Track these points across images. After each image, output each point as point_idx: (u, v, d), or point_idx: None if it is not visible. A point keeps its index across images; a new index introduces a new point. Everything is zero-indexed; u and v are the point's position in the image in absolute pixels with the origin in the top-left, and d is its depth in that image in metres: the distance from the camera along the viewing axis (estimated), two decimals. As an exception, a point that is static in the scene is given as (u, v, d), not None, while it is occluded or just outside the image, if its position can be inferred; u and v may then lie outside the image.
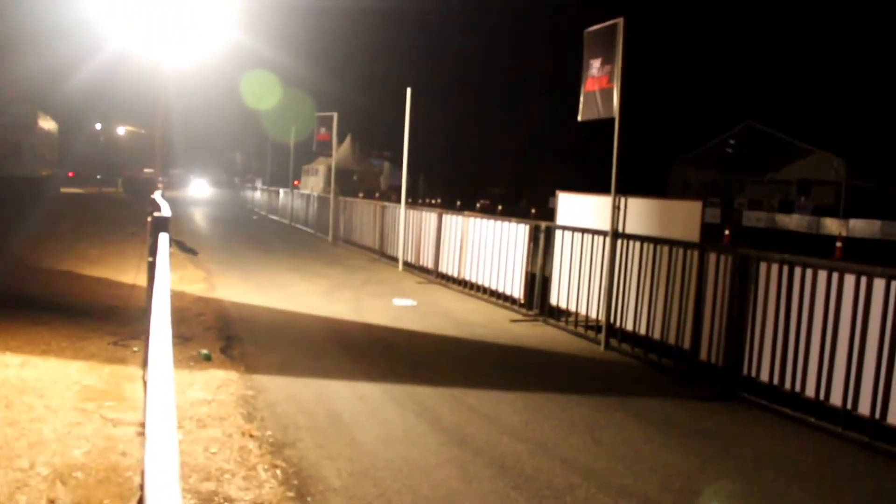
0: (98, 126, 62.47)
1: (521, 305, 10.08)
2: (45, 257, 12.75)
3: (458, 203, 41.42)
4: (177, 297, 9.41)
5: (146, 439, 1.62)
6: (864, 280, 5.42)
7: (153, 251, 4.90)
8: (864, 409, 5.31)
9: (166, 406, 1.81)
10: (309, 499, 3.95)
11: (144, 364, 5.28)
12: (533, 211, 33.27)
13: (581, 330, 8.72)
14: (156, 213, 5.45)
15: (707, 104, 57.73)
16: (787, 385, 5.94)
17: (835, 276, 5.65)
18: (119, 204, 33.49)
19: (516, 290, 10.25)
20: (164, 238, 4.92)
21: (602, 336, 8.10)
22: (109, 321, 7.75)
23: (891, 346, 5.18)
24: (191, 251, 15.25)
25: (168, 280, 3.66)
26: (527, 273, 10.08)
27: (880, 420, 5.19)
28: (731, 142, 53.51)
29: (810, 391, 5.74)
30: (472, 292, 11.39)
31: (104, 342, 6.85)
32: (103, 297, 9.30)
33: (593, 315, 8.64)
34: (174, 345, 6.79)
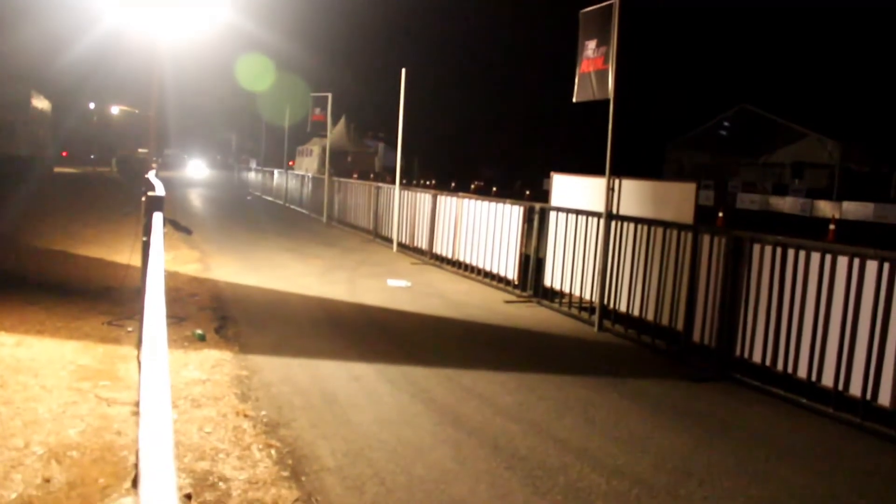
0: (92, 105, 61.99)
1: (516, 287, 10.10)
2: (39, 237, 12.70)
3: (453, 184, 41.33)
4: (171, 277, 9.40)
5: (140, 418, 1.62)
6: (856, 262, 5.44)
7: (147, 231, 4.88)
8: (855, 389, 5.35)
9: (161, 385, 1.80)
10: (303, 478, 3.96)
11: (139, 344, 5.28)
12: (528, 192, 33.20)
13: (575, 311, 8.75)
14: (150, 193, 5.43)
15: (702, 86, 57.60)
16: (780, 366, 5.98)
17: (828, 258, 5.67)
18: (113, 184, 33.31)
19: (510, 271, 10.27)
20: (158, 217, 4.90)
21: (596, 317, 8.13)
22: (104, 301, 7.74)
23: (882, 328, 5.21)
24: (185, 230, 15.22)
25: (162, 260, 3.66)
26: (521, 254, 10.09)
27: (871, 401, 5.23)
28: (726, 124, 53.48)
29: (802, 372, 5.78)
30: (467, 273, 11.40)
31: (99, 322, 6.84)
32: (98, 277, 9.28)
33: (587, 296, 8.66)
34: (168, 325, 6.79)
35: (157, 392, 1.76)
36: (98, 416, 4.53)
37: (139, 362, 5.21)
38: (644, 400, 5.74)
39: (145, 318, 2.47)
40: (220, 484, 3.80)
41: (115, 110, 59.45)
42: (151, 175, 10.26)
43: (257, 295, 9.16)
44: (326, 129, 20.59)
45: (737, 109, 51.44)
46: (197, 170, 55.40)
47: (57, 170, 42.44)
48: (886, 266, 5.23)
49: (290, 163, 31.74)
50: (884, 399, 5.16)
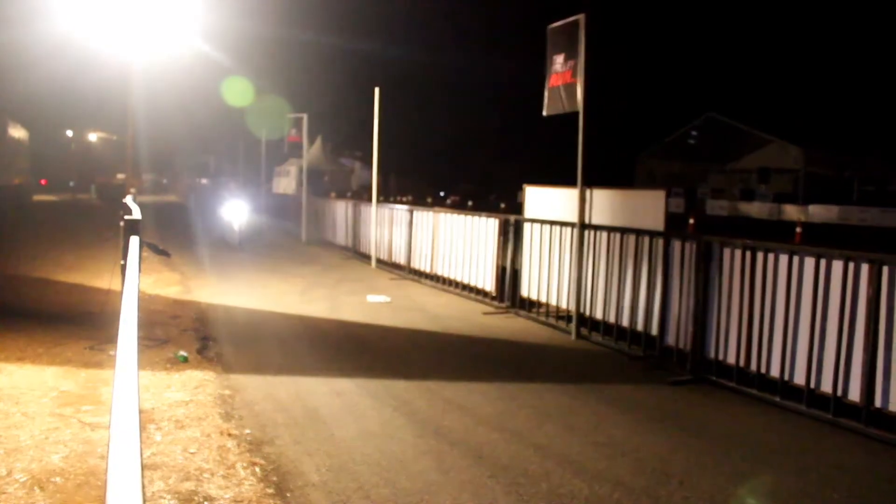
0: (69, 133, 61.40)
1: (493, 298, 10.19)
2: (20, 265, 12.56)
3: (429, 200, 41.44)
4: (153, 300, 9.39)
5: (110, 440, 1.61)
6: (823, 262, 5.61)
7: (125, 254, 4.91)
8: (826, 387, 5.50)
9: (129, 404, 1.80)
10: (288, 494, 3.99)
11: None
12: (503, 206, 33.42)
13: (552, 320, 8.85)
14: (127, 217, 5.45)
15: (669, 97, 58.54)
16: (753, 366, 6.12)
17: (795, 259, 5.84)
18: (93, 210, 32.94)
19: (488, 283, 10.37)
20: (134, 240, 4.93)
21: (573, 326, 8.24)
22: (85, 326, 7.70)
23: (850, 325, 5.37)
24: (163, 253, 15.12)
25: (136, 281, 3.69)
26: (498, 266, 10.19)
27: (842, 397, 5.37)
28: (694, 133, 54.24)
29: (775, 371, 5.91)
30: (445, 287, 11.48)
31: (80, 347, 6.81)
32: (79, 303, 9.23)
33: (563, 305, 8.78)
34: (151, 347, 6.81)
35: (126, 410, 1.76)
36: (81, 441, 4.53)
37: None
38: (622, 405, 5.84)
39: (119, 333, 2.46)
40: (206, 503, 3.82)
41: (92, 137, 58.96)
42: (129, 199, 10.23)
43: (239, 315, 9.16)
44: (302, 150, 20.68)
45: (704, 119, 52.23)
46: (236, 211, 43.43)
47: (36, 198, 41.92)
48: (851, 265, 5.40)
49: (261, 185, 31.64)
50: (854, 395, 5.31)
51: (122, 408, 1.76)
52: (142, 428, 4.69)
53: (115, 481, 1.37)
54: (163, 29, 15.31)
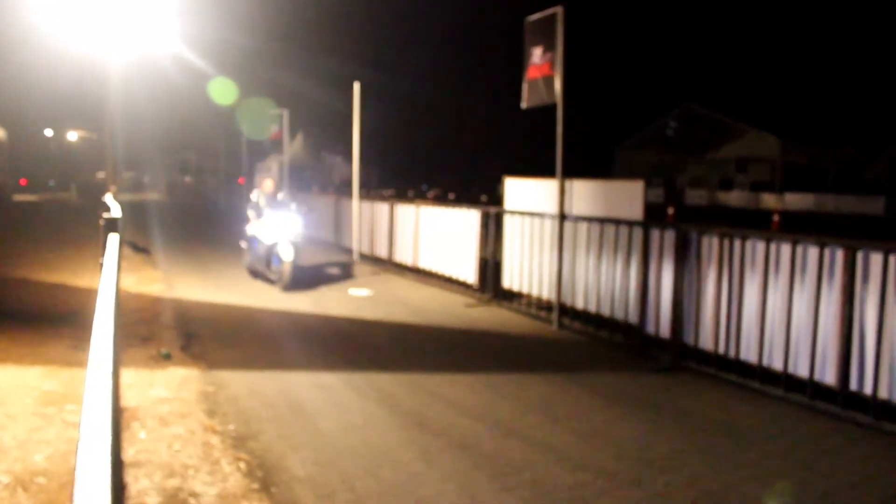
0: (49, 132, 60.63)
1: (476, 290, 10.24)
2: (1, 265, 12.42)
3: (411, 193, 41.40)
4: (135, 298, 9.34)
5: (80, 438, 1.56)
6: (799, 248, 5.70)
7: (104, 251, 4.89)
8: (802, 371, 5.60)
9: (102, 402, 1.75)
10: (273, 489, 4.00)
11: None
12: (484, 198, 33.45)
13: (534, 311, 8.91)
14: (105, 215, 5.43)
15: (648, 88, 58.88)
16: (732, 352, 6.21)
17: (772, 246, 5.93)
18: (74, 209, 32.59)
19: (470, 275, 10.41)
20: (113, 238, 4.91)
21: (554, 316, 8.30)
22: (68, 326, 7.64)
23: (827, 310, 5.47)
24: (144, 250, 15.06)
25: (115, 275, 3.68)
26: (479, 258, 10.24)
27: (819, 381, 5.48)
28: (672, 124, 54.58)
29: (753, 357, 6.01)
30: (427, 280, 11.51)
31: (63, 346, 6.77)
32: (61, 303, 9.15)
33: (545, 296, 8.84)
34: (134, 345, 6.78)
35: (98, 413, 1.70)
36: (65, 441, 4.51)
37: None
38: (604, 393, 5.91)
39: (93, 335, 2.41)
40: (191, 500, 3.82)
41: (72, 136, 58.25)
42: (108, 197, 10.16)
43: (222, 311, 9.14)
44: (284, 146, 20.55)
45: (682, 110, 52.59)
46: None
47: (17, 198, 41.41)
48: (827, 251, 5.49)
49: (240, 180, 31.39)
50: (829, 378, 5.41)
51: (95, 406, 1.72)
52: (126, 426, 4.71)
53: (84, 481, 1.33)
54: (142, 26, 15.14)
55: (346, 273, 12.68)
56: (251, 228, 11.28)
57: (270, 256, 10.64)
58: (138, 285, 10.37)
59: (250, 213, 11.18)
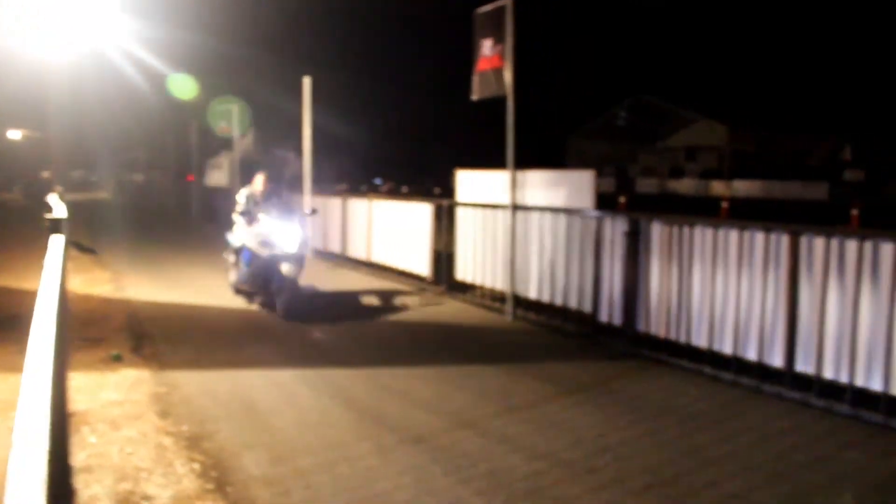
0: None
1: (430, 283, 10.25)
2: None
3: (364, 187, 41.19)
4: (83, 300, 9.09)
5: (12, 444, 1.50)
6: (746, 234, 5.83)
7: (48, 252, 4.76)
8: (751, 355, 5.74)
9: (39, 407, 1.69)
10: (229, 489, 3.95)
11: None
12: (438, 190, 33.49)
13: (488, 302, 8.95)
14: (49, 216, 5.29)
15: (598, 79, 59.57)
16: (682, 338, 6.33)
17: (720, 233, 6.06)
18: (18, 210, 31.59)
19: (424, 268, 10.41)
20: (57, 239, 4.78)
21: (508, 307, 8.35)
22: (13, 330, 7.39)
23: (774, 294, 5.62)
24: (90, 251, 14.67)
25: (59, 275, 3.59)
26: (433, 251, 10.25)
27: (768, 364, 5.62)
28: (623, 114, 55.38)
29: (703, 342, 6.13)
30: (381, 274, 11.47)
31: (8, 352, 6.55)
32: (4, 306, 8.85)
33: (498, 287, 8.89)
34: (83, 348, 6.60)
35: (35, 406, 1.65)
36: (7, 448, 4.38)
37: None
38: (559, 382, 5.96)
39: (30, 337, 2.31)
40: (144, 503, 3.76)
41: (15, 135, 56.39)
42: (54, 197, 9.84)
43: (173, 311, 8.96)
44: (234, 142, 20.23)
45: (632, 100, 53.40)
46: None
47: None
48: (773, 237, 5.64)
49: (189, 177, 30.82)
50: (776, 360, 5.57)
51: (31, 410, 1.65)
52: (75, 430, 4.59)
53: (15, 490, 1.27)
54: (87, 23, 14.73)
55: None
56: (239, 237, 9.17)
57: (269, 273, 8.51)
58: (86, 286, 10.10)
59: (238, 217, 9.15)
